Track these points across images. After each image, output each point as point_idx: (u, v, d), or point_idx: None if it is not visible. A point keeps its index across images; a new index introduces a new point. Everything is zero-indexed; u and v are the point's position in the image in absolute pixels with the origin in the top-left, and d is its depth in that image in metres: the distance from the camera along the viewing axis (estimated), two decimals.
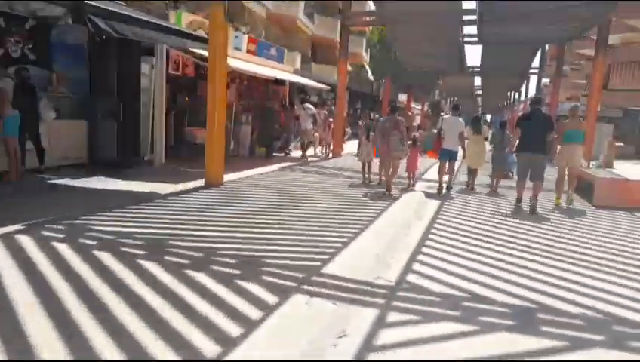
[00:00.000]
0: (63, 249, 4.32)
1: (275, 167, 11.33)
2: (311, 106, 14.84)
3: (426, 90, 36.08)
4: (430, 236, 5.86)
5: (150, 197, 6.92)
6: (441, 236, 5.89)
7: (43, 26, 8.88)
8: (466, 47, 19.75)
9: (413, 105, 43.02)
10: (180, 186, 7.89)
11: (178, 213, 6.06)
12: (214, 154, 8.09)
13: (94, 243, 4.56)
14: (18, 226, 4.89)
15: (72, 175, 8.07)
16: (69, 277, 3.69)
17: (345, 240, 5.33)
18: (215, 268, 4.13)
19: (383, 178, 9.32)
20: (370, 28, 40.14)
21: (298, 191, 8.29)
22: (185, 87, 11.84)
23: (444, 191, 9.34)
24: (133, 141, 9.26)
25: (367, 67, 40.94)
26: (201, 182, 8.21)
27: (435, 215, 7.21)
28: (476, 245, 5.53)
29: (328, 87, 15.53)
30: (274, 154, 14.15)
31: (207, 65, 11.15)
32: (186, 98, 11.23)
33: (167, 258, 4.28)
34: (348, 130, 22.38)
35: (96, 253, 4.26)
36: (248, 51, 13.07)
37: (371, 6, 23.11)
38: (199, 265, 4.14)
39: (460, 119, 9.49)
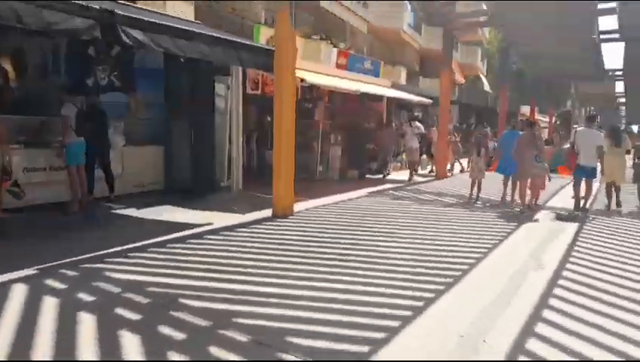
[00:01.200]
0: (51, 305, 3.54)
1: (363, 192, 10.04)
2: (419, 125, 13.58)
3: (555, 100, 32.06)
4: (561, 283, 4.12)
5: (201, 232, 6.10)
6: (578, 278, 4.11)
7: (127, 52, 8.80)
8: (603, 45, 16.59)
9: (539, 117, 38.67)
10: (243, 218, 7.02)
11: (219, 254, 5.10)
12: (281, 183, 7.09)
13: (91, 299, 3.72)
14: (29, 271, 4.28)
15: (142, 204, 7.66)
16: None
17: (420, 304, 3.87)
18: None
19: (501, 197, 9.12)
20: (487, 36, 37.15)
21: (377, 224, 6.89)
22: (269, 107, 11.17)
23: (579, 214, 8.26)
24: (208, 166, 8.68)
25: (484, 79, 37.82)
26: (269, 212, 7.26)
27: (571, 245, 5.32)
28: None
29: (430, 101, 13.91)
30: (368, 176, 12.89)
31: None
32: (269, 119, 10.52)
33: (160, 328, 3.25)
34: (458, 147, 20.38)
35: (83, 314, 3.39)
36: (338, 66, 12.09)
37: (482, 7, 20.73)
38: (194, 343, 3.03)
39: (597, 131, 8.63)
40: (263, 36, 9.80)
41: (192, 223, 6.54)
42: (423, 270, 4.81)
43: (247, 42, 8.04)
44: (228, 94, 9.00)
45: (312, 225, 6.74)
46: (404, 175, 13.59)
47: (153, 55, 8.69)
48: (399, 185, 11.76)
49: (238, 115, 9.03)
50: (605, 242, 6.41)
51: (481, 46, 38.92)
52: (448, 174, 13.80)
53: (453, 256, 5.31)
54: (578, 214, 8.19)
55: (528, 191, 8.51)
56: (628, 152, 9.41)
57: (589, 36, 14.71)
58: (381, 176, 13.25)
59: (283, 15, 6.85)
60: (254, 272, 4.51)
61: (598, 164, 8.54)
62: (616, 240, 6.54)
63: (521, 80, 32.46)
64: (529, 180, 8.29)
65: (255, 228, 6.47)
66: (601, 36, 15.24)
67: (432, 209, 8.49)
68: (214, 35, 7.08)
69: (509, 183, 9.11)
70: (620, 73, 22.08)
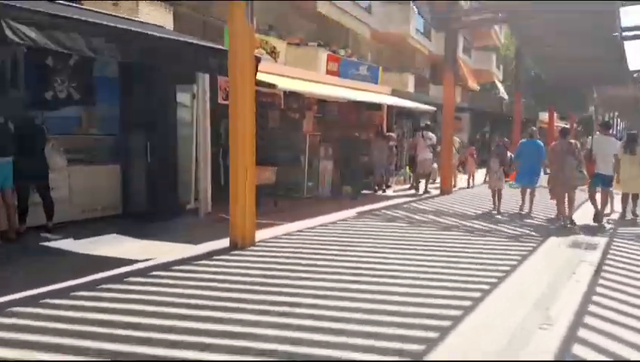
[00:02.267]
0: None
1: (352, 212, 8.82)
2: (431, 135, 12.57)
3: (576, 105, 30.29)
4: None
5: (128, 272, 4.98)
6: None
7: (86, 61, 7.84)
8: (627, 43, 15.10)
9: (560, 124, 36.80)
10: (194, 250, 5.91)
11: (128, 309, 3.96)
12: (238, 207, 5.96)
13: None
14: None
15: (87, 232, 6.60)
16: None
17: None
18: None
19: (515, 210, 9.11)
20: (503, 41, 35.68)
21: (357, 258, 5.67)
22: None
23: (604, 224, 8.13)
24: (170, 186, 7.61)
25: (500, 85, 36.28)
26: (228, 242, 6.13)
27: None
28: None
29: (434, 109, 12.69)
30: (366, 192, 11.68)
31: (275, 91, 9.36)
32: None
33: None
34: (472, 157, 18.99)
35: None
36: (329, 72, 10.98)
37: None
38: None
39: (613, 139, 8.55)
40: None
41: (128, 258, 5.44)
42: (408, 320, 3.62)
43: (196, 41, 6.95)
44: (194, 104, 7.95)
45: (273, 261, 5.54)
46: (407, 190, 12.41)
47: (104, 61, 7.74)
48: (398, 201, 10.51)
49: (205, 127, 7.97)
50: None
51: (497, 51, 37.52)
52: (454, 188, 12.48)
53: (441, 303, 4.07)
54: (601, 226, 7.96)
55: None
56: None
57: (611, 34, 13.32)
58: (380, 192, 12.03)
59: (236, 9, 5.76)
60: (155, 338, 3.35)
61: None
62: None
63: (539, 85, 30.89)
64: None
65: (200, 264, 5.33)
66: (624, 33, 13.80)
67: (429, 233, 7.25)
68: (157, 34, 6.04)
69: (527, 194, 9.23)
70: None
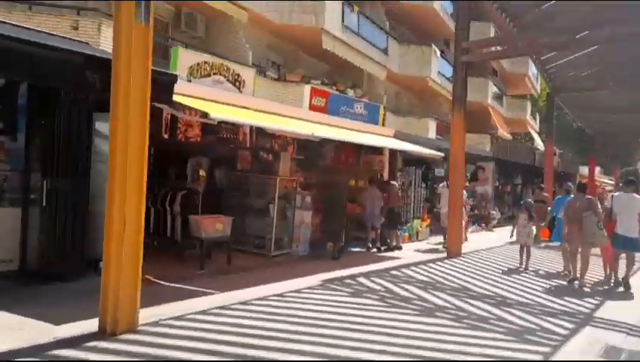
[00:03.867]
0: None
1: (317, 279, 6.93)
2: None
3: (622, 158, 27.56)
4: None
5: None
6: None
7: (11, 86, 6.58)
8: None
9: (603, 179, 33.77)
10: (54, 332, 4.20)
11: None
12: (110, 279, 4.25)
13: None
14: None
15: None
16: None
17: None
18: None
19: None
20: (539, 90, 33.57)
21: None
22: (209, 157, 8.58)
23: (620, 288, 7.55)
24: (74, 238, 6.01)
25: (536, 136, 33.91)
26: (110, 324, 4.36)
27: None
28: None
29: (441, 154, 10.86)
30: (357, 250, 9.82)
31: (240, 128, 7.86)
32: (201, 173, 7.87)
33: None
34: (494, 212, 16.76)
35: None
36: (313, 108, 9.37)
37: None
38: None
39: (638, 196, 7.73)
40: (185, 61, 7.29)
41: None
42: None
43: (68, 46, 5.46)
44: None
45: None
46: (411, 248, 10.50)
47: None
48: (388, 265, 8.54)
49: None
50: None
51: (533, 100, 35.40)
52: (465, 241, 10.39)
53: None
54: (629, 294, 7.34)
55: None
56: None
57: None
58: (373, 250, 10.09)
59: (125, 7, 4.27)
60: None
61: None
62: None
63: (581, 137, 28.42)
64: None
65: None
66: None
67: (401, 320, 5.26)
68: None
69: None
70: None
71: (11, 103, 6.61)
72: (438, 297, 6.39)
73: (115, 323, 4.22)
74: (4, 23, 5.91)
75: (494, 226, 16.40)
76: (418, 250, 10.87)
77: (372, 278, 7.29)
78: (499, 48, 11.61)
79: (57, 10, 9.13)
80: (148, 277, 6.46)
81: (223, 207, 9.05)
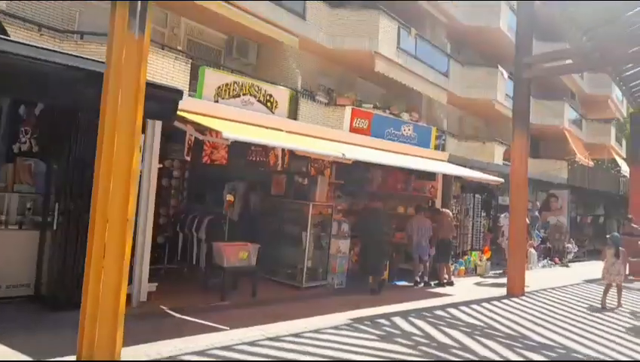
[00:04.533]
0: None
1: (345, 317, 6.14)
2: None
3: None
4: None
5: None
6: None
7: (51, 111, 6.68)
8: None
9: None
10: None
11: None
12: (88, 310, 3.83)
13: None
14: None
15: None
16: None
17: None
18: None
19: None
20: (625, 113, 30.59)
21: None
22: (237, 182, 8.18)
23: None
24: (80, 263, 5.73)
25: (622, 162, 30.69)
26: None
27: None
28: None
29: (501, 181, 9.68)
30: (403, 283, 8.93)
31: (272, 150, 7.45)
32: (228, 198, 7.45)
33: None
34: (570, 245, 14.93)
35: None
36: (355, 130, 8.72)
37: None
38: None
39: None
40: (212, 81, 6.96)
41: None
42: None
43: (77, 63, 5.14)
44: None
45: None
46: (468, 283, 9.43)
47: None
48: (435, 303, 7.55)
49: (150, 186, 6.14)
50: None
51: (619, 125, 32.35)
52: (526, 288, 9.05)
53: None
54: None
55: None
56: None
57: None
58: (421, 284, 9.09)
59: (119, 14, 3.97)
60: None
61: None
62: None
63: None
64: None
65: None
66: None
67: None
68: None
69: None
70: None
71: (41, 126, 6.68)
72: (484, 346, 5.36)
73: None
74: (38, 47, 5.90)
75: (570, 261, 14.58)
76: (477, 284, 9.72)
77: (410, 318, 6.37)
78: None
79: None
80: (162, 307, 6.10)
81: (259, 234, 8.60)
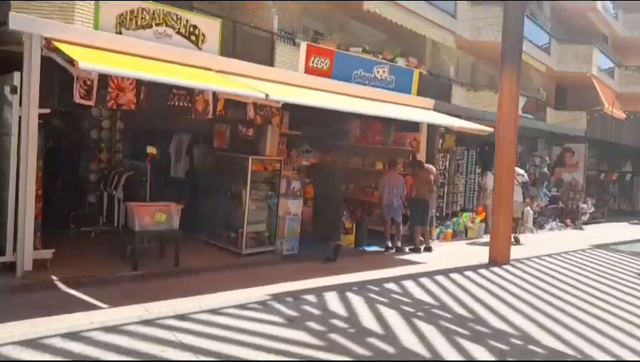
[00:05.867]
0: None
1: (263, 292, 5.10)
2: (522, 172, 9.84)
3: None
4: None
5: None
6: None
7: None
8: None
9: None
10: None
11: None
12: None
13: None
14: None
15: None
16: None
17: None
18: None
19: None
20: None
21: None
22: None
23: None
24: None
25: None
26: None
27: None
28: None
29: (490, 130, 8.23)
30: (373, 249, 7.87)
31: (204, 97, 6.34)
32: (149, 150, 6.37)
33: None
34: (584, 205, 13.38)
35: None
36: (311, 71, 7.33)
37: None
38: None
39: None
40: (111, 8, 5.70)
41: None
42: None
43: None
44: (14, 102, 5.16)
45: None
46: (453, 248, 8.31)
47: None
48: (399, 271, 6.46)
49: (31, 136, 5.13)
50: None
51: None
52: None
53: None
54: None
55: None
56: None
57: None
58: (393, 250, 7.96)
59: None
60: None
61: None
62: None
63: None
64: None
65: None
66: None
67: None
68: None
69: None
70: None
71: None
72: (414, 332, 4.23)
73: None
74: None
75: (585, 223, 13.07)
76: (461, 250, 8.55)
77: (347, 293, 5.29)
78: None
79: None
80: (53, 277, 5.21)
81: (203, 193, 7.62)
